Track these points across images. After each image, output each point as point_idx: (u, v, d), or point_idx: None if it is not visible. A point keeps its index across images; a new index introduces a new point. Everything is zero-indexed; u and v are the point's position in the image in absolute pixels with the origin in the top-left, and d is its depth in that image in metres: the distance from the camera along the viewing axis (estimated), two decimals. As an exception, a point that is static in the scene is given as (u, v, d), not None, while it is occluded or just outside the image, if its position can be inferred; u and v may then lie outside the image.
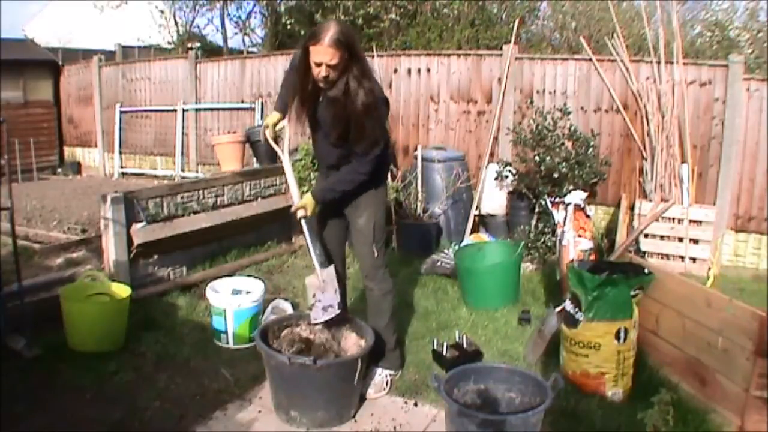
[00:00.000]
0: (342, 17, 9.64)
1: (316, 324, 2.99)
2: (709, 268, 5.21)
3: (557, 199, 4.63)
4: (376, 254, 3.07)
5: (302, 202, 2.98)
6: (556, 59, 6.28)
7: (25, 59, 9.85)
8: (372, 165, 2.88)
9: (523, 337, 3.72)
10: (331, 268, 3.04)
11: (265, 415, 2.87)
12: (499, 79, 6.27)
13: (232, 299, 3.61)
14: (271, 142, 3.16)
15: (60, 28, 13.54)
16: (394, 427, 2.80)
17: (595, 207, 5.71)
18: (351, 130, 2.78)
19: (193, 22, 12.18)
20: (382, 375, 3.12)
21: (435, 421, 2.85)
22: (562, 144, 5.44)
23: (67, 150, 10.52)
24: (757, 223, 5.46)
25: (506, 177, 5.81)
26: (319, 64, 2.64)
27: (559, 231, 4.43)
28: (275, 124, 3.14)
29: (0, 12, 16.19)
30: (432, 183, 5.91)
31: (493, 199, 5.99)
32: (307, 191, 3.14)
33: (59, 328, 3.45)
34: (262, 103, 7.98)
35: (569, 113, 5.67)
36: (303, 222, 3.02)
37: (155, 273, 4.37)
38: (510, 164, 5.87)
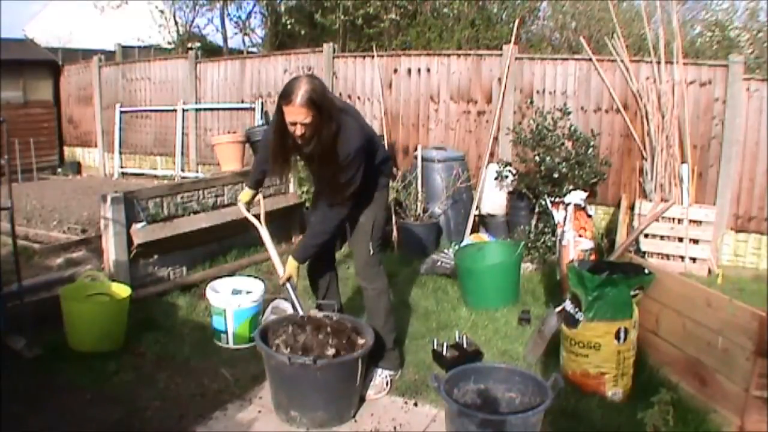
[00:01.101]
0: (342, 17, 9.65)
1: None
2: (712, 269, 5.22)
3: (557, 199, 4.63)
4: (371, 252, 3.12)
5: (288, 271, 3.10)
6: (556, 59, 6.28)
7: (25, 59, 9.84)
8: (341, 213, 2.98)
9: (523, 337, 3.72)
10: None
11: (265, 415, 2.87)
12: (499, 79, 6.27)
13: (232, 299, 3.61)
14: (249, 216, 3.33)
15: (60, 28, 13.53)
16: (394, 427, 2.80)
17: (595, 207, 5.70)
18: (325, 179, 2.95)
19: (193, 22, 12.18)
20: (382, 376, 3.13)
21: (435, 421, 2.85)
22: (562, 144, 5.44)
23: (67, 150, 10.52)
24: (757, 223, 5.46)
25: (506, 177, 5.81)
26: (293, 124, 2.71)
27: (559, 231, 4.43)
28: (249, 202, 3.38)
29: (0, 12, 16.19)
30: (432, 183, 5.90)
31: (493, 199, 5.99)
32: (309, 189, 3.17)
33: (59, 328, 3.45)
34: (262, 103, 7.97)
35: (569, 113, 5.67)
36: (289, 285, 3.10)
37: (155, 273, 4.37)
38: (510, 164, 5.88)
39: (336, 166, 2.81)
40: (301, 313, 3.07)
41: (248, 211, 3.38)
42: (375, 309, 3.18)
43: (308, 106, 2.65)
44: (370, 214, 3.10)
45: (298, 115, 2.68)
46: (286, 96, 2.69)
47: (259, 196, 3.44)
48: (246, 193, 3.40)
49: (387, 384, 3.11)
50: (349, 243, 3.28)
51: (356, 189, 2.91)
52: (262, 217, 3.34)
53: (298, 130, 2.72)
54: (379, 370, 3.14)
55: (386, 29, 9.63)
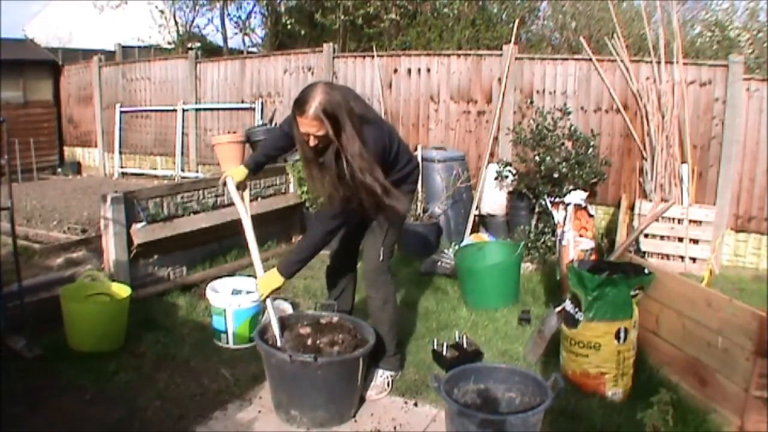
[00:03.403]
0: (342, 17, 9.66)
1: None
2: (709, 269, 5.22)
3: (557, 199, 4.63)
4: (381, 257, 3.05)
5: (270, 286, 2.94)
6: (556, 59, 6.28)
7: (25, 59, 9.84)
8: (328, 225, 2.87)
9: (523, 337, 3.72)
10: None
11: (265, 415, 2.87)
12: (499, 79, 6.27)
13: (232, 299, 3.61)
14: (234, 196, 3.06)
15: (60, 28, 13.55)
16: (394, 427, 2.80)
17: (595, 207, 5.69)
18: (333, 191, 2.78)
19: (193, 22, 12.20)
20: (383, 376, 3.12)
21: (435, 421, 2.85)
22: (562, 144, 5.45)
23: (67, 150, 10.52)
24: (757, 223, 5.46)
25: (506, 177, 5.81)
26: (306, 135, 2.63)
27: (559, 231, 4.43)
28: (242, 181, 3.10)
29: (0, 12, 16.20)
30: (432, 183, 5.91)
31: (493, 199, 5.99)
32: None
33: (59, 328, 3.45)
34: (262, 103, 7.98)
35: (569, 113, 5.68)
36: (269, 303, 2.97)
37: (155, 273, 4.37)
38: (510, 164, 5.88)
39: (337, 184, 2.70)
40: (278, 337, 2.90)
41: (238, 187, 3.08)
42: (379, 318, 3.13)
43: (320, 120, 2.54)
44: (386, 217, 3.00)
45: (310, 127, 2.58)
46: (299, 105, 2.58)
47: (247, 188, 3.15)
48: (240, 171, 3.10)
49: (388, 384, 3.11)
50: (363, 244, 3.19)
51: (330, 228, 2.85)
52: (247, 207, 3.09)
53: (311, 142, 2.63)
54: (380, 371, 3.13)
55: (386, 29, 9.63)
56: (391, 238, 3.07)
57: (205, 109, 8.63)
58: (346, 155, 2.63)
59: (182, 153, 8.88)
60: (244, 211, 3.08)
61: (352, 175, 2.66)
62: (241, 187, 3.12)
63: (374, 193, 2.71)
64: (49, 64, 10.27)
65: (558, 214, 4.45)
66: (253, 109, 8.04)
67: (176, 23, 12.12)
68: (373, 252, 3.06)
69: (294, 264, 2.96)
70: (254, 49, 11.90)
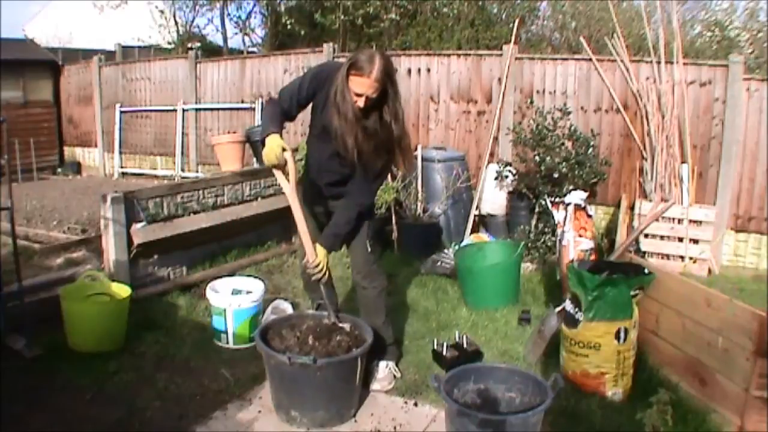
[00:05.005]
0: (342, 17, 9.65)
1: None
2: (712, 269, 5.22)
3: (557, 199, 4.63)
4: (369, 249, 3.10)
5: (319, 258, 2.89)
6: (556, 59, 6.28)
7: (25, 59, 9.85)
8: (373, 196, 2.97)
9: (523, 337, 3.72)
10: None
11: (265, 415, 2.87)
12: (499, 79, 6.27)
13: (232, 299, 3.61)
14: (278, 174, 2.77)
15: (60, 28, 13.55)
16: (394, 427, 2.80)
17: (595, 207, 5.70)
18: (367, 157, 2.79)
19: (193, 22, 12.21)
20: (388, 367, 3.14)
21: (435, 421, 2.85)
22: (562, 144, 5.44)
23: (67, 150, 10.52)
24: (757, 223, 5.46)
25: (506, 177, 5.81)
26: (359, 95, 2.64)
27: (559, 231, 4.42)
28: (282, 148, 2.72)
29: (0, 12, 16.20)
30: (432, 183, 5.90)
31: (493, 199, 5.98)
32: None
33: (59, 328, 3.45)
34: (262, 103, 7.97)
35: (569, 113, 5.67)
36: (321, 284, 2.94)
37: (155, 273, 4.37)
38: (510, 164, 5.88)
39: (381, 149, 2.76)
40: (332, 313, 3.00)
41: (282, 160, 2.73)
42: (375, 307, 3.16)
43: (382, 81, 2.61)
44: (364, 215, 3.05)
45: (369, 89, 2.62)
46: (359, 67, 2.59)
47: (288, 150, 2.74)
48: (276, 139, 2.69)
49: (393, 376, 3.14)
50: (346, 244, 3.21)
51: (373, 199, 2.95)
52: (292, 176, 2.77)
53: (361, 103, 2.66)
54: (383, 363, 3.14)
55: (386, 29, 9.63)
56: (372, 230, 3.15)
57: (205, 109, 8.63)
58: (390, 117, 2.75)
59: (182, 153, 8.88)
60: (287, 186, 2.79)
61: (388, 136, 2.77)
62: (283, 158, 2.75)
63: (380, 169, 2.88)
64: (49, 64, 10.27)
65: (558, 214, 4.45)
66: (253, 109, 8.04)
67: (176, 23, 12.13)
68: (361, 246, 3.10)
69: (335, 237, 2.98)
70: (254, 49, 11.90)
